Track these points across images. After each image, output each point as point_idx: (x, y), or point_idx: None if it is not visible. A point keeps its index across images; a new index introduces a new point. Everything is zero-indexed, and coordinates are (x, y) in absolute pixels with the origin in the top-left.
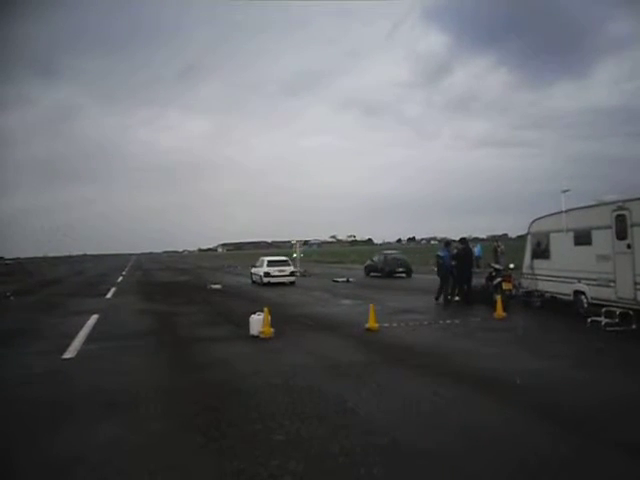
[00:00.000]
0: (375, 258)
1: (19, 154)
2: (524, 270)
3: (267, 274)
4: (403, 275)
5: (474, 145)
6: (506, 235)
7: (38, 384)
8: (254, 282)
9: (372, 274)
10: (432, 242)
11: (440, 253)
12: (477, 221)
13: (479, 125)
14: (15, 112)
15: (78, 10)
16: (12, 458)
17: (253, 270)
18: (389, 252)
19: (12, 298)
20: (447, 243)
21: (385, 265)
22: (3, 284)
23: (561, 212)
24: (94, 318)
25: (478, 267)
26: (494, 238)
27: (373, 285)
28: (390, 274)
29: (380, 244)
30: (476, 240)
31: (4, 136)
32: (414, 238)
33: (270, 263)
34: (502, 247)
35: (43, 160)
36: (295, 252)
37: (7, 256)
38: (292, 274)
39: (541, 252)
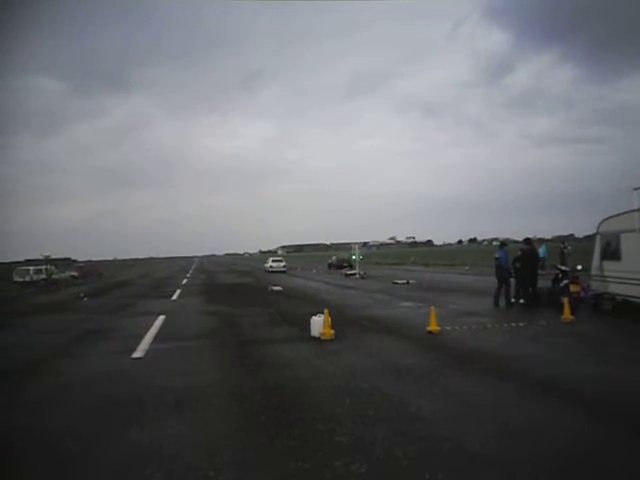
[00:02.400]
0: (333, 258)
1: (93, 161)
2: (593, 272)
3: (270, 266)
4: (347, 267)
5: (538, 143)
6: (572, 235)
7: (109, 382)
8: (265, 271)
9: (330, 269)
10: (494, 243)
11: (497, 254)
12: (542, 221)
13: (544, 122)
14: (90, 123)
15: (148, 24)
16: (89, 452)
17: (265, 265)
18: (341, 254)
19: (85, 299)
20: (502, 244)
21: (336, 262)
22: (77, 286)
23: (633, 211)
24: (161, 319)
25: (543, 269)
26: (560, 239)
27: (433, 287)
28: (339, 268)
29: (440, 245)
30: (541, 241)
31: (81, 145)
32: (475, 239)
33: (272, 260)
34: (569, 248)
35: (114, 167)
36: (354, 254)
37: (80, 259)
38: (284, 266)
39: (611, 253)
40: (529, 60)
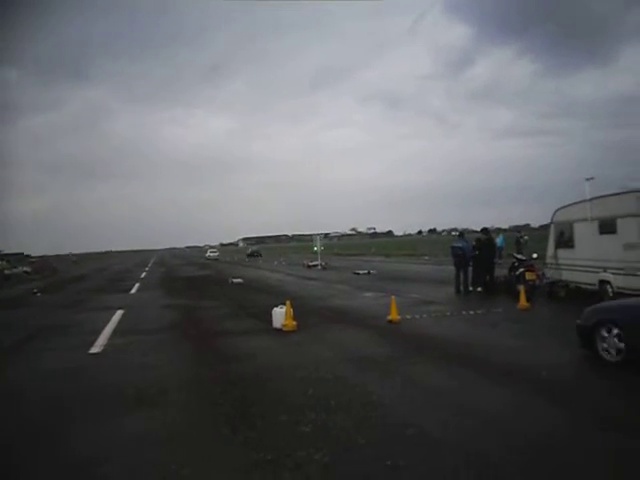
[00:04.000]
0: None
1: (49, 154)
2: (547, 260)
3: (208, 255)
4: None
5: (498, 135)
6: (529, 225)
7: (66, 379)
8: (207, 258)
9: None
10: (453, 233)
11: (458, 244)
12: (500, 212)
13: (503, 115)
14: (47, 113)
15: (108, 14)
16: (43, 452)
17: (205, 255)
18: (254, 247)
19: (39, 295)
20: (461, 234)
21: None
22: (30, 281)
23: (585, 201)
24: (119, 313)
25: (500, 258)
26: (517, 228)
27: (394, 277)
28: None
29: (400, 236)
30: (498, 230)
31: (36, 136)
32: (435, 229)
33: (210, 251)
34: (525, 237)
35: (71, 160)
36: (315, 245)
37: (34, 253)
38: (217, 255)
39: (565, 242)
40: (489, 53)
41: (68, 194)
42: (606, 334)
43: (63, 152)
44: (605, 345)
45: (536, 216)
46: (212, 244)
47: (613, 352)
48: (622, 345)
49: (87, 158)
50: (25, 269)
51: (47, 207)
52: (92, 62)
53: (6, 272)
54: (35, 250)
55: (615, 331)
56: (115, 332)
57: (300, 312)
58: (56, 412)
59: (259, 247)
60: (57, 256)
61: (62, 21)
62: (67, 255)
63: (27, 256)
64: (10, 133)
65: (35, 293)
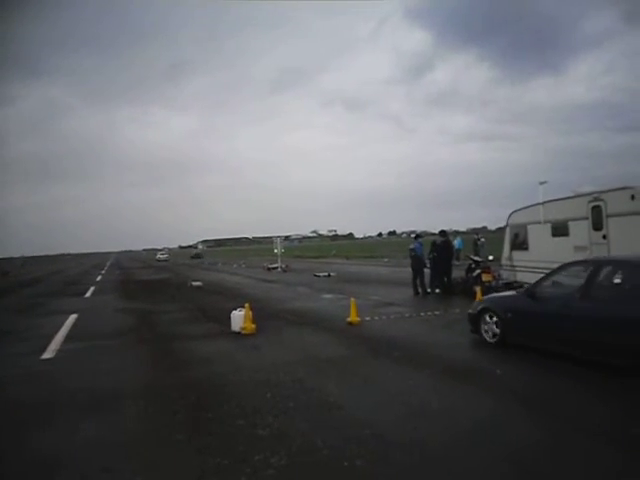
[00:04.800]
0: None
1: (2, 153)
2: (503, 262)
3: (158, 258)
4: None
5: (456, 139)
6: (485, 227)
7: (16, 385)
8: (157, 260)
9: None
10: (412, 235)
11: (412, 246)
12: (457, 214)
13: (461, 120)
14: (1, 111)
15: (66, 10)
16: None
17: (156, 257)
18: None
19: None
20: (418, 235)
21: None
22: None
23: (538, 204)
24: (73, 318)
25: (458, 259)
26: (474, 230)
27: (354, 279)
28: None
29: (361, 238)
30: (456, 233)
31: None
32: (395, 232)
33: (160, 254)
34: (482, 240)
35: (26, 159)
36: (276, 248)
37: None
38: (167, 258)
39: (519, 244)
40: (448, 59)
41: (19, 194)
42: (486, 321)
43: (16, 150)
44: (485, 328)
45: (493, 219)
46: (171, 246)
47: (491, 334)
48: (497, 330)
49: (41, 157)
50: None
51: None
52: (48, 59)
53: None
54: None
55: (494, 318)
56: (68, 337)
57: (260, 315)
58: (6, 418)
59: (217, 250)
60: (9, 259)
61: (15, 16)
62: (18, 258)
63: None
64: None
65: None
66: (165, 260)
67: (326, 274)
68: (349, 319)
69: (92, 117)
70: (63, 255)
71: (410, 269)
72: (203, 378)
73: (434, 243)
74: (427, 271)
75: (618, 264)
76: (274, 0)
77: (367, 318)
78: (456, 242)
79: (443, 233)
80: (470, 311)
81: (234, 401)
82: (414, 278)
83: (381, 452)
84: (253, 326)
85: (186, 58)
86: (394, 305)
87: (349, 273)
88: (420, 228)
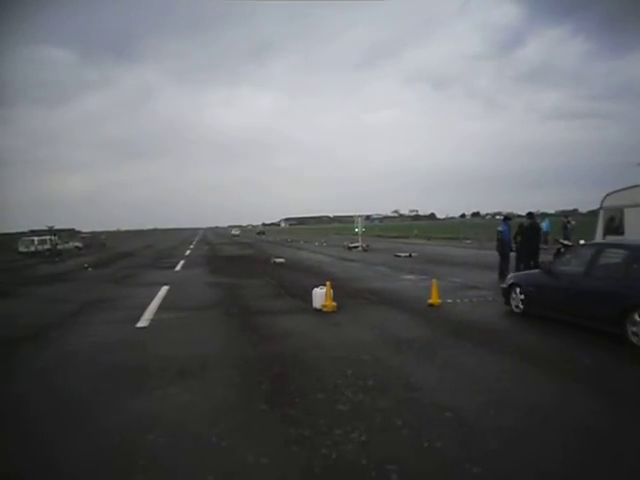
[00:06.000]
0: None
1: (100, 132)
2: None
3: (233, 234)
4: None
5: (546, 117)
6: (576, 210)
7: (114, 351)
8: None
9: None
10: (497, 217)
11: (500, 228)
12: (546, 195)
13: (552, 97)
14: (98, 93)
15: None
16: (95, 418)
17: (231, 232)
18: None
19: (90, 269)
20: (506, 217)
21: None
22: (81, 256)
23: (637, 186)
24: (164, 289)
25: (546, 243)
26: (564, 213)
27: (436, 261)
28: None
29: (443, 219)
30: (544, 215)
31: (88, 115)
32: (478, 213)
33: (233, 230)
34: (572, 222)
35: (120, 138)
36: (357, 227)
37: (84, 229)
38: (239, 234)
39: (614, 228)
40: (540, 34)
41: (116, 172)
42: (515, 294)
43: (112, 131)
44: (514, 300)
45: (584, 201)
46: (254, 223)
47: (517, 305)
48: (522, 303)
49: (135, 137)
50: (76, 244)
51: (96, 184)
52: (141, 43)
53: (58, 247)
54: (84, 226)
55: (519, 293)
56: (160, 307)
57: (340, 293)
58: (107, 380)
59: (299, 227)
60: (107, 232)
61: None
62: (116, 231)
63: (78, 232)
64: (63, 113)
65: (86, 268)
66: (237, 235)
67: (407, 254)
68: (430, 301)
69: (181, 97)
70: (156, 229)
71: (496, 252)
72: (285, 352)
73: (521, 225)
74: (513, 254)
75: (612, 247)
76: None
77: (449, 300)
78: (544, 225)
79: (531, 215)
80: (503, 285)
81: (315, 375)
82: (501, 261)
83: (462, 436)
84: (334, 304)
85: (272, 39)
86: (477, 288)
87: (431, 254)
88: (506, 210)
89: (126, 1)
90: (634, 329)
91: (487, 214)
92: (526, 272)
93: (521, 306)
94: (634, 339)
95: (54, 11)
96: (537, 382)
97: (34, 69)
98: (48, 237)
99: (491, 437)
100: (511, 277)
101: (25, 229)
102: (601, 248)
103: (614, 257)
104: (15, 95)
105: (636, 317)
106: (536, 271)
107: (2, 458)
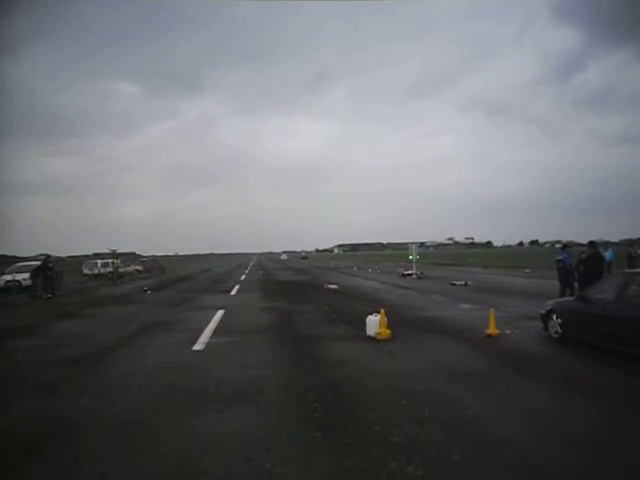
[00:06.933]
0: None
1: (163, 160)
2: None
3: (281, 258)
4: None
5: (608, 143)
6: None
7: (171, 373)
8: (281, 260)
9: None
10: (557, 245)
11: (560, 257)
12: (609, 223)
13: (614, 122)
14: (161, 123)
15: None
16: (153, 438)
17: (280, 257)
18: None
19: (149, 292)
20: (565, 245)
21: (302, 257)
22: (141, 280)
23: None
24: (220, 313)
25: (610, 273)
26: (628, 242)
27: (492, 290)
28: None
29: (500, 247)
30: (607, 244)
31: (152, 144)
32: (537, 241)
33: (283, 254)
34: (639, 251)
35: (180, 166)
36: (411, 254)
37: (143, 254)
38: (286, 258)
39: None
40: (601, 58)
41: (176, 198)
42: (552, 320)
43: (174, 159)
44: (552, 326)
45: None
46: (308, 249)
47: (556, 330)
48: (559, 328)
49: (194, 165)
50: (137, 268)
51: (157, 210)
52: (206, 74)
53: (120, 270)
54: (145, 250)
55: (557, 319)
56: (216, 331)
57: (394, 321)
58: (162, 403)
59: (352, 254)
60: (165, 256)
61: (173, 35)
62: (174, 256)
63: (138, 256)
64: (129, 142)
65: (145, 291)
66: (286, 260)
67: (463, 283)
68: (488, 331)
69: (239, 127)
70: (212, 254)
71: (557, 281)
72: (339, 380)
73: (582, 254)
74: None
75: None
76: (414, 6)
77: (507, 331)
78: (607, 254)
79: (592, 244)
80: (541, 311)
81: (369, 405)
82: (562, 291)
83: (523, 474)
84: (388, 332)
85: (327, 69)
86: (536, 319)
87: (487, 283)
88: (566, 238)
89: (186, 36)
90: None
91: (546, 242)
92: (563, 299)
93: (559, 329)
94: None
95: (125, 46)
96: (599, 415)
97: (105, 101)
98: (110, 260)
99: (552, 476)
100: (549, 304)
101: (90, 252)
102: (631, 276)
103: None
104: (88, 126)
105: None
106: (572, 298)
107: (60, 474)
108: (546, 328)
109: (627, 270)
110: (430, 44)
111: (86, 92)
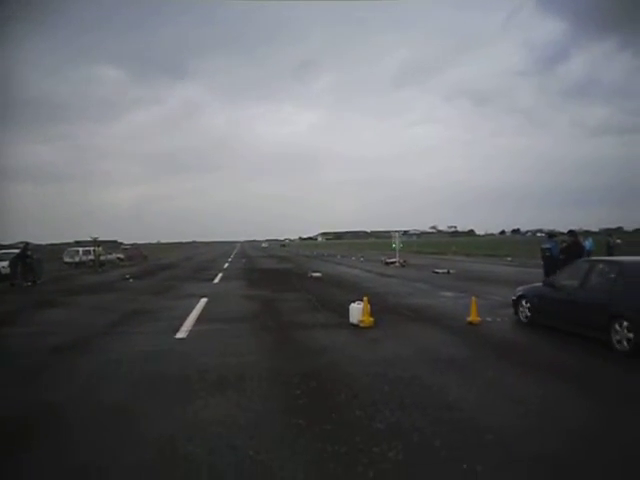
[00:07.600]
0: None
1: (145, 148)
2: None
3: (263, 246)
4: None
5: (591, 133)
6: (621, 228)
7: (154, 360)
8: (262, 247)
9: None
10: (538, 234)
11: (547, 245)
12: (589, 213)
13: (597, 112)
14: (147, 110)
15: (203, 15)
16: (136, 425)
17: (261, 245)
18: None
19: (131, 280)
20: (551, 234)
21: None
22: (123, 267)
23: None
24: (203, 301)
25: None
26: (608, 231)
27: (475, 278)
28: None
29: (482, 235)
30: (587, 233)
31: (135, 131)
32: (519, 230)
33: (264, 242)
34: (618, 241)
35: (163, 153)
36: (394, 242)
37: (126, 241)
38: (267, 246)
39: None
40: (585, 48)
41: (158, 186)
42: (522, 305)
43: (157, 146)
44: (521, 311)
45: (630, 219)
46: (291, 237)
47: (525, 315)
48: (528, 312)
49: (177, 152)
50: (118, 256)
51: (139, 198)
52: (189, 61)
53: (101, 258)
54: (127, 238)
55: (526, 304)
56: (199, 319)
57: (377, 309)
58: (145, 390)
59: (336, 242)
60: (147, 244)
61: (158, 21)
62: (156, 244)
63: (120, 243)
64: (111, 129)
65: (127, 279)
66: (266, 247)
67: (445, 271)
68: (469, 318)
69: (224, 114)
70: (195, 242)
71: (541, 270)
72: (322, 367)
73: (561, 243)
74: None
75: (602, 263)
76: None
77: (488, 319)
78: (587, 243)
79: (572, 232)
80: (512, 297)
81: (351, 392)
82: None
83: (504, 460)
84: (371, 319)
85: (313, 58)
86: None
87: (469, 271)
88: (547, 227)
89: (174, 21)
90: (617, 337)
91: (527, 231)
92: (532, 285)
93: (528, 314)
94: (618, 346)
95: (109, 31)
96: (576, 403)
97: (88, 87)
98: (92, 248)
99: (534, 464)
100: (519, 290)
101: (71, 240)
102: (594, 264)
103: (603, 272)
104: (71, 112)
105: (617, 326)
106: (540, 284)
107: (48, 460)
108: (516, 312)
109: (591, 258)
110: (417, 34)
111: (69, 78)
